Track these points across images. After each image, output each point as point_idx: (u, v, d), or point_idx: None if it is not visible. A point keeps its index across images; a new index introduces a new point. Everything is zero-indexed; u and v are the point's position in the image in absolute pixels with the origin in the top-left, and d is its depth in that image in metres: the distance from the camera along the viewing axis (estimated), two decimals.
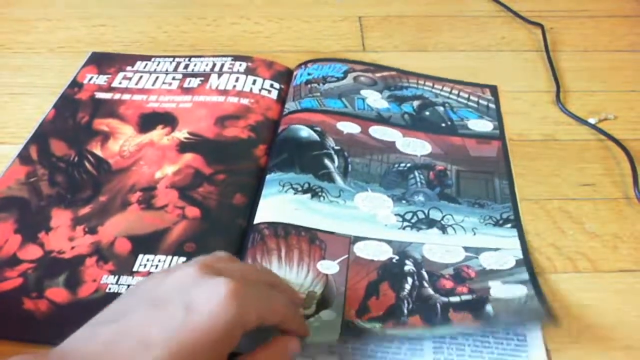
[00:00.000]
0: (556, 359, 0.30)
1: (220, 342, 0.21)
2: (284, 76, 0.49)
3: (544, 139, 0.43)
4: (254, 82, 0.47)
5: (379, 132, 0.42)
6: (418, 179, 0.38)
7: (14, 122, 0.44)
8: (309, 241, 0.34)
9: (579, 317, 0.32)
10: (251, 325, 0.23)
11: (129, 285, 0.32)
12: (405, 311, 0.30)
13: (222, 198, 0.37)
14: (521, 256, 0.34)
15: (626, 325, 0.31)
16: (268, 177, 0.38)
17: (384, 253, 0.33)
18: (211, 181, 0.38)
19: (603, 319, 0.32)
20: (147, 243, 0.34)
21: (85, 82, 0.48)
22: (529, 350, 0.30)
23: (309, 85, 0.46)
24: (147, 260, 0.33)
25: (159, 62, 0.50)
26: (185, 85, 0.47)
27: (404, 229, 0.35)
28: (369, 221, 0.35)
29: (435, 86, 0.47)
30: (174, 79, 0.48)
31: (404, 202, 0.37)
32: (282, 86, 0.48)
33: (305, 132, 0.41)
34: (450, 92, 0.46)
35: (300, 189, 0.37)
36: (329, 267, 0.33)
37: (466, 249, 0.34)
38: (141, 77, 0.48)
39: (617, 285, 0.33)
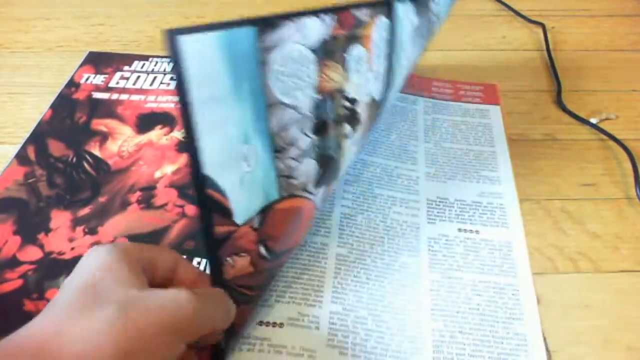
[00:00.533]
0: (557, 359, 0.30)
1: (115, 276, 0.20)
2: None
3: (545, 139, 0.43)
4: None
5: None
6: None
7: (12, 122, 0.44)
8: None
9: (580, 317, 0.32)
10: (140, 259, 0.22)
11: None
12: None
13: None
14: None
15: (627, 326, 0.31)
16: None
17: None
18: None
19: (604, 319, 0.32)
20: (147, 242, 0.34)
21: (82, 81, 0.47)
22: (528, 350, 0.29)
23: None
24: None
25: (157, 62, 0.50)
26: None
27: None
28: None
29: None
30: (172, 79, 0.48)
31: None
32: None
33: None
34: None
35: None
36: None
37: None
38: (139, 77, 0.48)
39: (618, 286, 0.33)
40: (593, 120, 0.44)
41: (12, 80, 0.48)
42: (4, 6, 0.57)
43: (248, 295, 0.27)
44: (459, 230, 0.35)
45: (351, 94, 0.26)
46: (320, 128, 0.25)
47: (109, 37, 0.53)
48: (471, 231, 0.35)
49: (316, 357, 0.28)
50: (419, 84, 0.47)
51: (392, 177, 0.39)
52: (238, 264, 0.25)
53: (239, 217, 0.23)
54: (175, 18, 0.56)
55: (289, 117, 0.23)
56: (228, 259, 0.24)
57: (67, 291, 0.20)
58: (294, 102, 0.23)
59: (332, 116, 0.25)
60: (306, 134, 0.24)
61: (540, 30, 0.54)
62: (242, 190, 0.23)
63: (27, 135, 0.42)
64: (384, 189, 0.38)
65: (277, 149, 0.23)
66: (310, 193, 0.26)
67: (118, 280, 0.20)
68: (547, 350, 0.30)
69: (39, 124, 0.43)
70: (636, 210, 0.38)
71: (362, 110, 0.28)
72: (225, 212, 0.23)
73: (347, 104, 0.26)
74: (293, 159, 0.24)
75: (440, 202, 0.37)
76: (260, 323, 0.29)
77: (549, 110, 0.46)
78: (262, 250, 0.26)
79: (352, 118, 0.27)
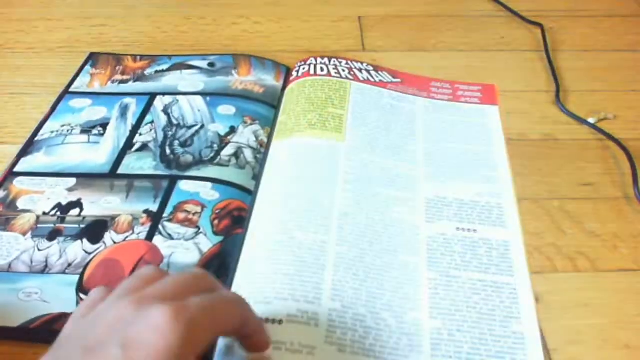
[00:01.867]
0: (556, 358, 0.30)
1: None
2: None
3: (544, 139, 0.43)
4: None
5: None
6: None
7: (14, 122, 0.44)
8: None
9: (578, 316, 0.32)
10: (204, 343, 0.21)
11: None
12: None
13: None
14: None
15: (626, 325, 0.31)
16: None
17: None
18: None
19: (603, 318, 0.32)
20: None
21: None
22: (526, 348, 0.30)
23: None
24: None
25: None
26: None
27: None
28: None
29: None
30: None
31: None
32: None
33: None
34: None
35: None
36: None
37: None
38: None
39: (616, 285, 0.33)
40: (591, 120, 0.44)
41: (13, 80, 0.48)
42: (5, 7, 0.57)
43: None
44: (457, 229, 0.35)
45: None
46: (51, 235, 0.35)
47: (111, 38, 0.53)
48: (469, 230, 0.35)
49: (315, 354, 0.28)
50: (418, 84, 0.48)
51: (391, 176, 0.39)
52: None
53: (69, 307, 0.31)
54: (176, 19, 0.56)
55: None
56: None
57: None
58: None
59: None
60: (42, 247, 0.34)
61: (538, 31, 0.54)
62: None
63: (29, 135, 0.42)
64: (383, 187, 0.38)
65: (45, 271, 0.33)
66: (89, 253, 0.34)
67: None
68: (546, 348, 0.30)
69: (41, 123, 0.43)
70: (634, 210, 0.38)
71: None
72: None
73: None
74: (68, 265, 0.33)
75: (438, 201, 0.37)
76: None
77: (548, 110, 0.46)
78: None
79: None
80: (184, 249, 0.33)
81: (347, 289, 0.32)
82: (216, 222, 0.35)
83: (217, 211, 0.35)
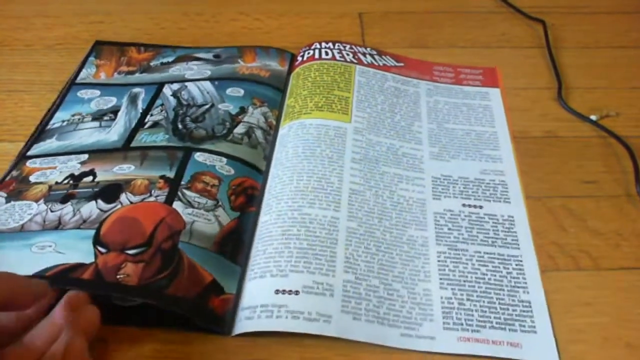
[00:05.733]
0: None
1: None
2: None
3: (546, 136, 0.43)
4: None
5: None
6: None
7: (12, 120, 0.44)
8: None
9: (580, 315, 0.32)
10: None
11: None
12: None
13: None
14: None
15: (627, 323, 0.31)
16: None
17: None
18: None
19: (604, 316, 0.32)
20: None
21: None
22: (534, 315, 0.31)
23: None
24: None
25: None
26: None
27: None
28: None
29: None
30: None
31: None
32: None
33: None
34: None
35: None
36: None
37: None
38: None
39: (618, 283, 0.33)
40: (593, 118, 0.44)
41: (11, 77, 0.48)
42: (3, 4, 0.56)
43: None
44: (464, 205, 0.37)
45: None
46: (64, 199, 0.34)
47: (109, 35, 0.53)
48: (475, 206, 0.37)
49: (331, 322, 0.29)
50: (421, 68, 0.49)
51: (397, 155, 0.40)
52: (130, 270, 0.29)
53: (86, 258, 0.30)
54: (174, 15, 0.56)
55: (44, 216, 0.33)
56: (120, 275, 0.29)
57: None
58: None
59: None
60: (55, 209, 0.33)
61: (540, 27, 0.54)
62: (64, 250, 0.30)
63: (29, 133, 0.42)
64: (391, 167, 0.39)
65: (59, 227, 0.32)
66: (105, 211, 0.33)
67: None
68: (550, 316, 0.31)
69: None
70: (637, 208, 0.38)
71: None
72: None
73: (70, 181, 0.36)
74: (83, 221, 0.32)
75: (444, 179, 0.39)
76: (277, 291, 0.30)
77: (550, 107, 0.46)
78: (129, 251, 0.31)
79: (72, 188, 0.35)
80: (205, 219, 0.33)
81: (359, 261, 0.33)
82: (233, 197, 0.35)
83: (233, 187, 0.36)
